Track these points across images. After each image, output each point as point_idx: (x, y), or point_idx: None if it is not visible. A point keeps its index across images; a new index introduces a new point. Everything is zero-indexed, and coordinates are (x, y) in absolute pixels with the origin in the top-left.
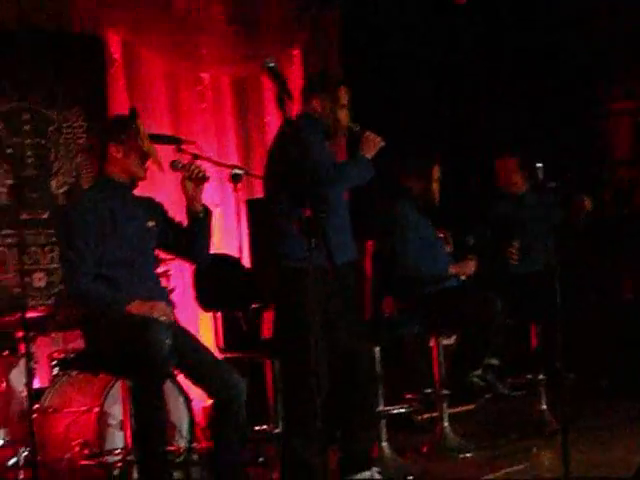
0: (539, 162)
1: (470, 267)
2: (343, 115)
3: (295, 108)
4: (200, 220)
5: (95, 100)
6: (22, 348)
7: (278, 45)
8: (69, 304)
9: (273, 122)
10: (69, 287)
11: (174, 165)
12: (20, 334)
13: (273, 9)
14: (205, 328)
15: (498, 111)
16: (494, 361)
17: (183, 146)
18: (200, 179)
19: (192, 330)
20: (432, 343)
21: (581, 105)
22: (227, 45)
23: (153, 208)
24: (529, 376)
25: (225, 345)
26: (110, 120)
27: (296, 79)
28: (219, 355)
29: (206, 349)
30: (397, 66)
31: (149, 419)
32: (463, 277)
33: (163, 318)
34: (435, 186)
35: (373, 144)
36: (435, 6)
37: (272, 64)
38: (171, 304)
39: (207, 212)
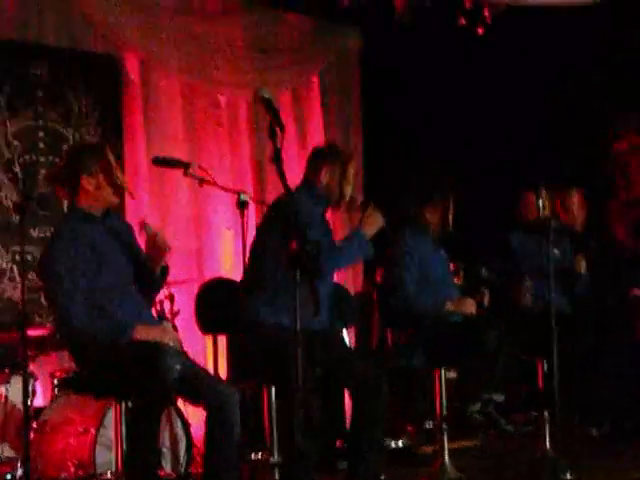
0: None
1: (469, 306)
2: (348, 190)
3: (311, 141)
4: (155, 277)
5: (111, 119)
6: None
7: (296, 71)
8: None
9: (289, 147)
10: (66, 326)
11: (145, 229)
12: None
13: (292, 34)
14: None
15: (519, 142)
16: (498, 397)
17: (190, 170)
18: (162, 250)
19: (198, 353)
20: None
21: (599, 139)
22: (245, 69)
23: (127, 233)
24: (534, 413)
25: (228, 372)
26: (79, 151)
27: (314, 105)
28: None
29: (200, 367)
30: (416, 95)
31: (145, 443)
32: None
33: (172, 343)
34: (450, 217)
35: (375, 223)
36: (456, 35)
37: (266, 95)
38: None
39: (164, 271)
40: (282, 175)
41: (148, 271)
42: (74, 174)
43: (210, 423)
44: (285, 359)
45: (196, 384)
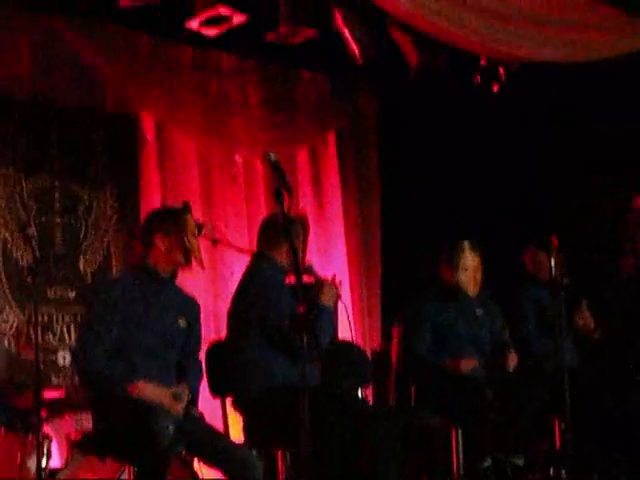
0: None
1: (467, 365)
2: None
3: (327, 199)
4: None
5: (127, 180)
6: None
7: (313, 128)
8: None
9: (306, 205)
10: (78, 364)
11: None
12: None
13: (309, 93)
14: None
15: (535, 197)
16: (518, 460)
17: (204, 231)
18: None
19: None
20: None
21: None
22: (261, 128)
23: (190, 308)
24: (551, 473)
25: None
26: (161, 210)
27: (330, 163)
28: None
29: (221, 433)
30: (434, 153)
31: None
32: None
33: (170, 410)
34: (467, 274)
35: (330, 294)
36: (471, 93)
37: (273, 158)
38: (195, 407)
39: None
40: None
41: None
42: (150, 229)
43: None
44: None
45: (218, 452)
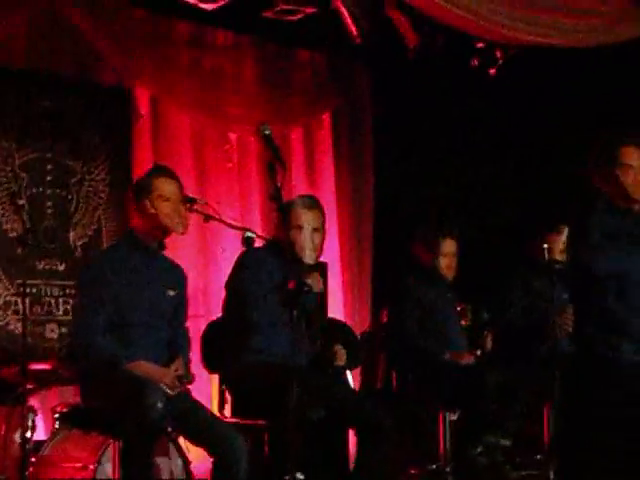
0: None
1: (467, 359)
2: (297, 237)
3: (321, 179)
4: None
5: (119, 154)
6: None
7: (307, 108)
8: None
9: (299, 187)
10: (75, 338)
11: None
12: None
13: (304, 72)
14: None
15: (529, 182)
16: (506, 442)
17: (196, 205)
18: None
19: (204, 391)
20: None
21: None
22: (256, 106)
23: (178, 278)
24: (539, 457)
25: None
26: (138, 177)
27: (325, 143)
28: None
29: (207, 409)
30: (428, 134)
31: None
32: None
33: (168, 389)
34: (446, 261)
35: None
36: (468, 75)
37: (267, 131)
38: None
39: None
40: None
41: None
42: (137, 196)
43: (217, 471)
44: (284, 396)
45: (202, 429)
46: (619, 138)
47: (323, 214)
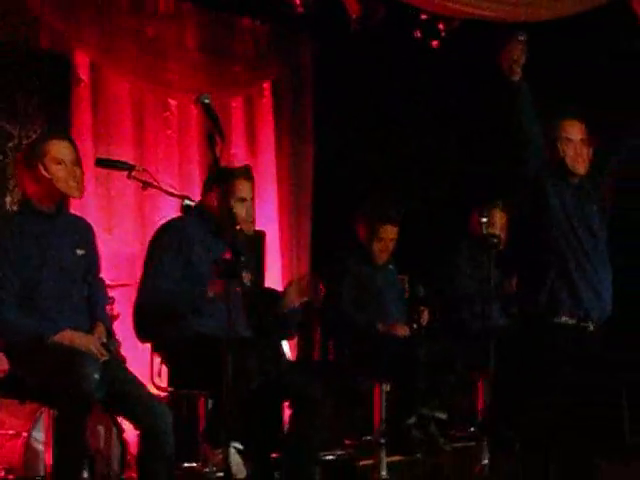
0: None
1: (400, 331)
2: (240, 209)
3: (262, 148)
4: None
5: (58, 119)
6: None
7: (249, 77)
8: None
9: (239, 154)
10: None
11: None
12: None
13: (246, 40)
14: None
15: (471, 159)
16: (441, 415)
17: (134, 172)
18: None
19: (132, 359)
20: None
21: None
22: (196, 73)
23: (84, 233)
24: (472, 429)
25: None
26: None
27: (266, 113)
28: (152, 388)
29: (134, 380)
30: (370, 105)
31: (70, 449)
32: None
33: (97, 354)
34: (382, 245)
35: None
36: (410, 48)
37: (207, 100)
38: (112, 339)
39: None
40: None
41: None
42: (31, 161)
43: (143, 443)
44: (219, 367)
45: (128, 400)
46: (561, 112)
47: (254, 184)
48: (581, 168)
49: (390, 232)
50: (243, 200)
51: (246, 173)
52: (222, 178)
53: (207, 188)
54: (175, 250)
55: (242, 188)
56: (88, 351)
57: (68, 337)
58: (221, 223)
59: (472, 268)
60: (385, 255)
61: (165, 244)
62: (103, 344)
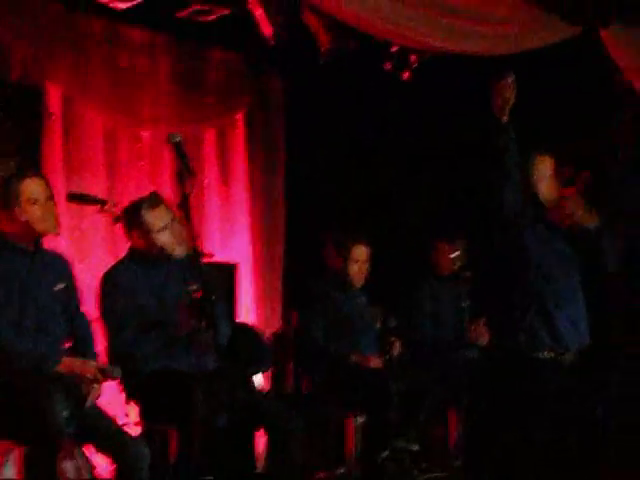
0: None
1: (374, 362)
2: (164, 238)
3: (234, 179)
4: None
5: (29, 152)
6: None
7: (221, 108)
8: None
9: (212, 185)
10: None
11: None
12: None
13: (218, 72)
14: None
15: (435, 193)
16: (413, 446)
17: (106, 207)
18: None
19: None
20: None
21: None
22: (169, 105)
23: (62, 269)
24: (445, 462)
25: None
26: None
27: (238, 144)
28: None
29: (108, 416)
30: (341, 137)
31: None
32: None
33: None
34: (356, 267)
35: None
36: (381, 79)
37: (177, 139)
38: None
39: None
40: (189, 220)
41: None
42: (6, 202)
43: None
44: (188, 402)
45: (103, 437)
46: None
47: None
48: (551, 202)
49: (363, 253)
50: (164, 229)
51: (152, 202)
52: (133, 216)
53: (129, 228)
54: (126, 297)
55: (156, 217)
56: (83, 376)
57: (67, 363)
58: (155, 258)
59: (438, 302)
60: (360, 277)
61: (113, 293)
62: (102, 370)
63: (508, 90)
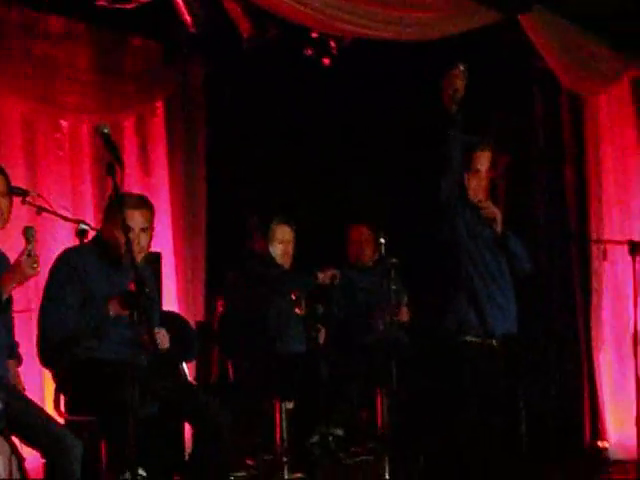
0: (383, 237)
1: (322, 278)
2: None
3: (154, 168)
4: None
5: None
6: None
7: (142, 96)
8: None
9: (132, 175)
10: None
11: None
12: None
13: (138, 60)
14: (50, 387)
15: (354, 177)
16: (338, 431)
17: (29, 198)
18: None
19: (36, 387)
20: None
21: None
22: (88, 93)
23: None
24: (371, 445)
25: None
26: None
27: (159, 133)
28: (57, 416)
29: (39, 409)
30: (262, 123)
31: None
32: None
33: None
34: (281, 248)
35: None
36: (300, 65)
37: (106, 130)
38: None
39: (9, 302)
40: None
41: None
42: None
43: (50, 473)
44: (117, 393)
45: (34, 430)
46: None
47: (152, 212)
48: (481, 196)
49: (286, 233)
50: (141, 230)
51: (138, 203)
52: (117, 209)
53: (105, 218)
54: (74, 282)
55: (128, 217)
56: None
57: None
58: (119, 253)
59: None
60: (287, 259)
61: (63, 276)
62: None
63: (459, 79)
